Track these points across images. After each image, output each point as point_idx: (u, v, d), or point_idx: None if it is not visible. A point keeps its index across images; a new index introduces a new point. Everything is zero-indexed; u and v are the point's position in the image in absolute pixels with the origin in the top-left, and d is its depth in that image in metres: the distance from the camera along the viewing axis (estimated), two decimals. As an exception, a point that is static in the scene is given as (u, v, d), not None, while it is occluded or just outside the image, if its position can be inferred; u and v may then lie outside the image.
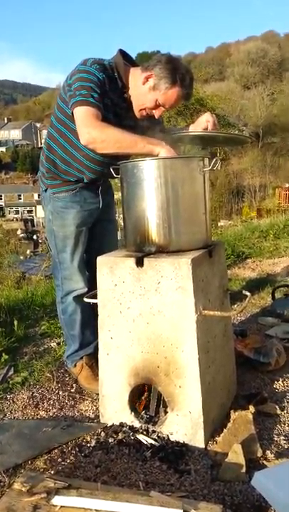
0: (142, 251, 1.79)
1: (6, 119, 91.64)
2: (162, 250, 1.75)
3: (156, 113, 1.96)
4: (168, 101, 1.91)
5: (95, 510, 1.27)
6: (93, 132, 1.80)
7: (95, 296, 1.87)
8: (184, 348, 1.67)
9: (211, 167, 1.79)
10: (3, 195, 55.91)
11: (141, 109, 1.96)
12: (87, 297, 1.94)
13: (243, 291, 1.96)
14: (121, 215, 2.02)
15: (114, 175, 1.88)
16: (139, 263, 1.71)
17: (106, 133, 1.80)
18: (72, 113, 1.87)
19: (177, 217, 1.76)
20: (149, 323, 1.73)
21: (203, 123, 1.95)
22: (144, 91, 1.91)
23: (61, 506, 1.28)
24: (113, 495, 1.32)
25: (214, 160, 1.79)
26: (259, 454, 1.65)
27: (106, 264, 1.79)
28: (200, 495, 1.45)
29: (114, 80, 1.91)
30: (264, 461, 1.63)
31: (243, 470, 1.54)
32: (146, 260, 1.70)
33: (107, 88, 1.88)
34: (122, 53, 1.97)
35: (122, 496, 1.31)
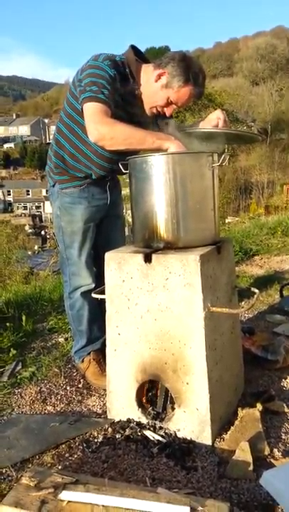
0: (150, 247, 1.78)
1: (14, 114, 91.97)
2: (170, 246, 1.75)
3: (168, 111, 1.94)
4: (180, 99, 1.89)
5: (102, 505, 1.27)
6: (102, 129, 1.79)
7: (102, 292, 1.87)
8: (192, 344, 1.67)
9: (220, 163, 1.78)
10: (11, 191, 56.14)
11: (152, 107, 1.94)
12: (95, 293, 1.94)
13: (252, 289, 1.95)
14: (128, 211, 2.01)
15: (123, 170, 1.88)
16: (147, 259, 1.70)
17: (115, 129, 1.79)
18: (82, 109, 1.86)
19: (186, 213, 1.75)
20: (156, 319, 1.72)
21: (214, 120, 1.93)
22: (156, 88, 1.89)
23: (68, 501, 1.29)
24: (120, 491, 1.31)
25: (223, 155, 1.77)
26: (266, 452, 1.64)
27: (114, 260, 1.79)
28: (207, 492, 1.45)
29: (125, 76, 1.89)
30: (271, 460, 1.62)
31: (251, 468, 1.53)
32: (154, 256, 1.70)
33: (117, 85, 1.86)
34: (134, 49, 1.96)
35: (129, 492, 1.31)
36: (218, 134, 1.90)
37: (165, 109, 1.94)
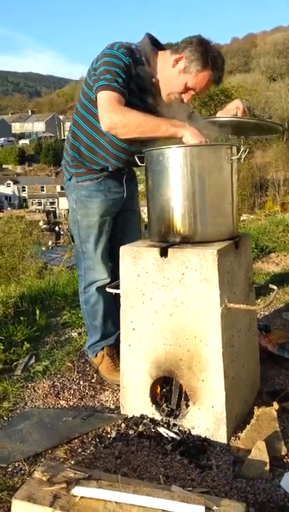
0: (167, 241, 1.75)
1: (30, 111, 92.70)
2: (187, 241, 1.71)
3: (186, 97, 1.90)
4: (198, 84, 1.85)
5: (115, 502, 1.25)
6: (114, 117, 1.76)
7: (117, 287, 1.85)
8: (208, 341, 1.63)
9: (239, 156, 1.74)
10: (26, 187, 56.58)
11: (170, 93, 1.90)
12: (109, 287, 1.92)
13: (270, 285, 1.91)
14: (143, 207, 1.98)
15: (139, 163, 1.84)
16: (163, 253, 1.67)
17: (127, 117, 1.75)
18: (96, 97, 1.83)
19: (203, 207, 1.71)
20: (172, 314, 1.69)
21: (233, 110, 1.88)
22: (174, 74, 1.85)
23: (81, 497, 1.27)
24: (133, 488, 1.29)
25: (242, 148, 1.73)
26: (283, 452, 1.60)
27: (129, 254, 1.76)
28: (222, 491, 1.42)
29: (141, 63, 1.86)
30: (288, 460, 1.59)
31: (267, 468, 1.49)
32: (170, 251, 1.67)
33: (133, 73, 1.83)
34: (150, 37, 1.92)
35: (143, 489, 1.29)
36: (237, 122, 1.85)
37: (183, 95, 1.89)
